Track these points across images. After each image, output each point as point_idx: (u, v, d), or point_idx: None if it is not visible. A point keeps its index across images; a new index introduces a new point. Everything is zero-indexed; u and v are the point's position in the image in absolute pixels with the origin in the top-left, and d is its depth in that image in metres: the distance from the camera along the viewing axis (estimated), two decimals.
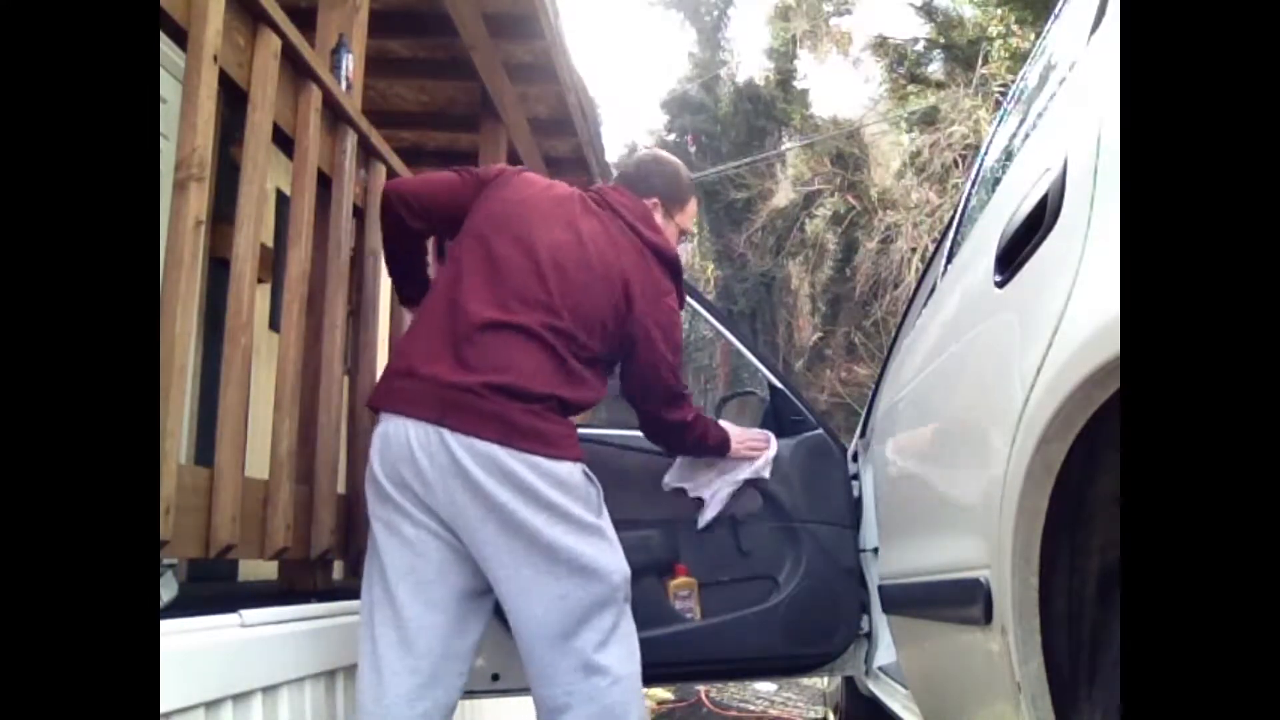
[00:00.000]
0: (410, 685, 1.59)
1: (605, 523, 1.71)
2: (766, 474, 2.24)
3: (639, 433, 2.15)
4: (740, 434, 2.19)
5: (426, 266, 2.06)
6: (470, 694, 2.10)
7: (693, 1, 15.49)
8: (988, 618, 1.08)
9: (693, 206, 2.06)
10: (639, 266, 1.80)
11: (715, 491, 2.23)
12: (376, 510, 1.66)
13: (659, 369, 1.82)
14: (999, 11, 10.49)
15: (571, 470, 1.64)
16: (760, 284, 12.86)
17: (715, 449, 2.13)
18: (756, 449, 2.22)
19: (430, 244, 2.09)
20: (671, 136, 15.08)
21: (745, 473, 2.22)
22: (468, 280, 1.70)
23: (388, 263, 2.04)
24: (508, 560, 1.60)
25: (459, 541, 1.63)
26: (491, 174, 1.88)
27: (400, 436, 1.61)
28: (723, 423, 2.18)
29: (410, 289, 2.01)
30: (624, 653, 1.66)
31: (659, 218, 1.93)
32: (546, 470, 1.60)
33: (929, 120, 11.11)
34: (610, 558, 1.66)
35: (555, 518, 1.60)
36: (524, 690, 2.11)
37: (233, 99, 1.74)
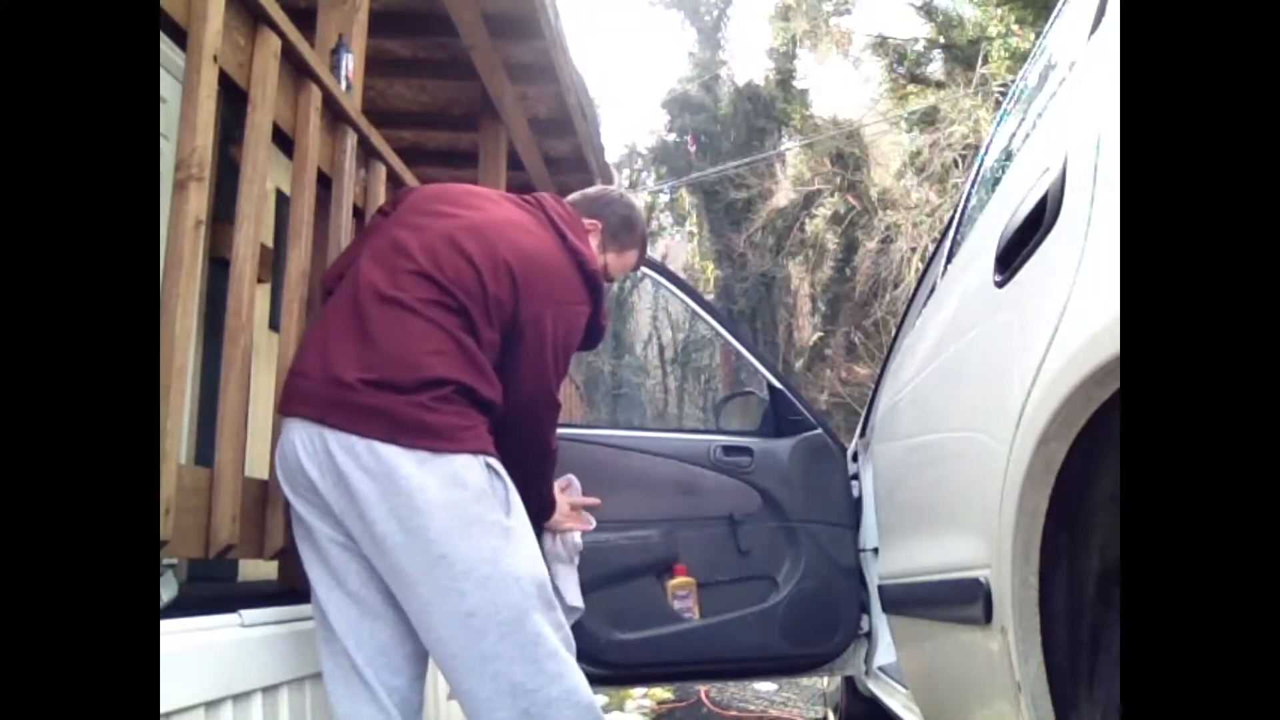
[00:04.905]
0: (367, 699, 1.52)
1: (515, 521, 1.54)
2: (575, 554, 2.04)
3: (640, 433, 2.15)
4: (564, 507, 1.97)
5: None
6: None
7: (693, 1, 15.49)
8: (988, 617, 1.09)
9: (631, 258, 1.96)
10: (552, 259, 1.66)
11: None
12: (294, 525, 1.59)
13: (541, 367, 1.63)
14: (999, 11, 10.49)
15: (468, 463, 1.48)
16: (760, 284, 12.86)
17: (547, 500, 1.89)
18: (572, 522, 2.00)
19: None
20: (671, 136, 15.08)
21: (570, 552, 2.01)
22: (364, 268, 1.61)
23: None
24: (401, 579, 1.47)
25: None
26: (400, 195, 1.81)
27: (291, 448, 1.52)
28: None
29: None
30: (553, 669, 1.48)
31: (593, 240, 1.83)
32: (436, 466, 1.45)
33: (929, 120, 11.11)
34: (518, 560, 1.50)
35: (450, 522, 1.44)
36: None
37: (233, 99, 1.74)
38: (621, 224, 1.92)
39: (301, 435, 1.51)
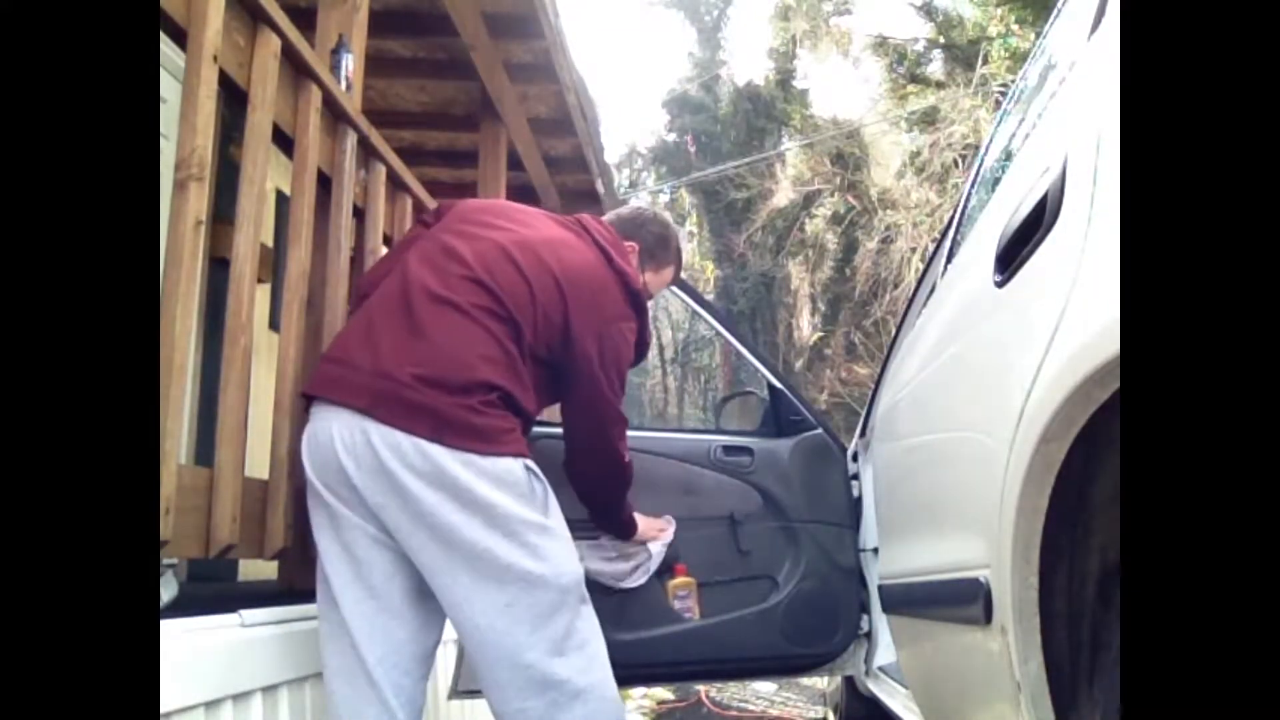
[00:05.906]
0: (372, 698, 1.52)
1: (553, 521, 1.59)
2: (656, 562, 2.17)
3: (640, 433, 2.15)
4: (645, 521, 2.11)
5: None
6: (469, 693, 2.09)
7: (693, 1, 15.50)
8: (988, 618, 1.09)
9: (668, 275, 2.03)
10: (600, 278, 1.72)
11: (642, 561, 2.15)
12: (315, 516, 1.60)
13: (599, 386, 1.70)
14: (999, 11, 10.51)
15: (511, 466, 1.54)
16: (760, 284, 12.87)
17: (626, 520, 2.04)
18: (661, 533, 2.16)
19: None
20: (671, 136, 15.08)
21: (658, 549, 2.15)
22: (413, 268, 1.65)
23: None
24: (444, 568, 1.51)
25: (398, 544, 1.55)
26: (445, 205, 1.86)
27: (326, 436, 1.53)
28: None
29: None
30: (583, 662, 1.54)
31: (632, 261, 1.88)
32: (482, 468, 1.50)
33: (929, 120, 11.12)
34: (557, 559, 1.55)
35: (493, 520, 1.50)
36: None
37: (233, 99, 1.74)
38: (657, 242, 1.98)
39: (340, 426, 1.53)
